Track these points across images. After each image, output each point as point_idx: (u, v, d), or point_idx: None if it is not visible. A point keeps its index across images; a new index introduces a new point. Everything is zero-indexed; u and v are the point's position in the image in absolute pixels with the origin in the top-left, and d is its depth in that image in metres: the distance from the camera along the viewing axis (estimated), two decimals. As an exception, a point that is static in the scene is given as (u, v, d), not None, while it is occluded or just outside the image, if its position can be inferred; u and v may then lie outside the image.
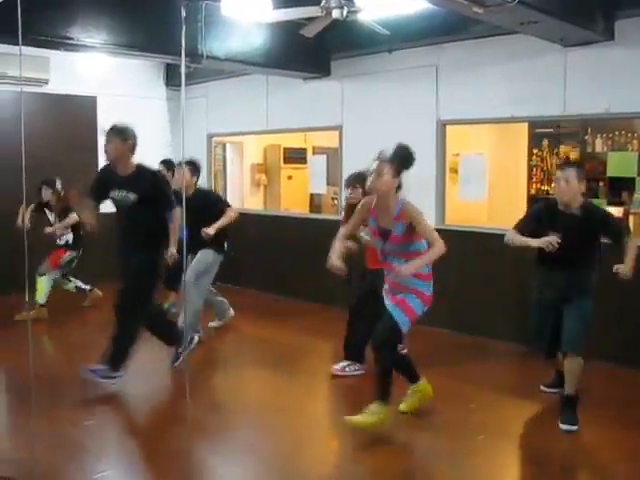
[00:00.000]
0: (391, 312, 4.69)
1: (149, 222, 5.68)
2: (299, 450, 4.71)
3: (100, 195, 5.86)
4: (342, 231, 5.03)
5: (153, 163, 10.46)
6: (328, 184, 9.56)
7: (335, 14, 5.92)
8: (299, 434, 4.98)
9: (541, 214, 5.16)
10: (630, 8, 5.93)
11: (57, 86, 9.64)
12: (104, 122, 10.11)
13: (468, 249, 7.41)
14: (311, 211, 10.73)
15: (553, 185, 5.11)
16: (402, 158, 4.68)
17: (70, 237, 8.31)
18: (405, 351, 5.96)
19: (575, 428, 4.87)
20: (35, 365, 4.03)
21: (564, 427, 4.89)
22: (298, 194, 11.06)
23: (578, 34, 6.15)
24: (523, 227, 5.13)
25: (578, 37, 6.28)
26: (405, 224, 4.60)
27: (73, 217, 7.94)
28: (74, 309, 8.67)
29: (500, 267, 7.15)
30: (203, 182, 10.72)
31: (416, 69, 7.89)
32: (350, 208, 5.64)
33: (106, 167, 6.01)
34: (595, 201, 8.67)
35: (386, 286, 4.86)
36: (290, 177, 11.73)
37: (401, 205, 4.63)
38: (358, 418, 4.69)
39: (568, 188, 4.88)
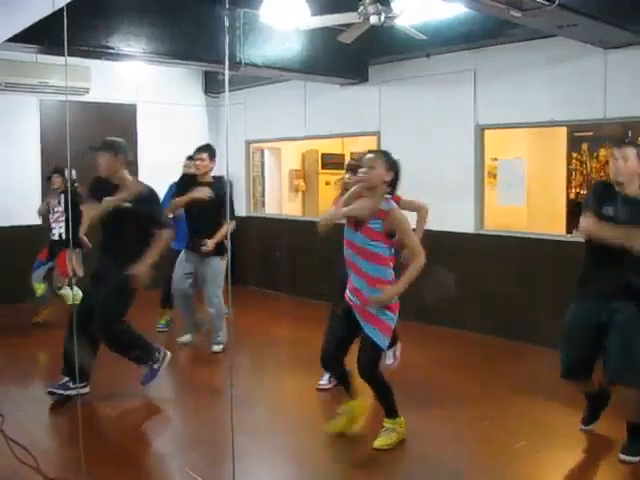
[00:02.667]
0: (371, 337, 4.45)
1: (133, 238, 5.43)
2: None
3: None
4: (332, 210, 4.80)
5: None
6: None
7: (372, 20, 5.93)
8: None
9: (602, 193, 4.48)
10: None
11: (98, 94, 9.79)
12: (144, 129, 10.37)
13: (507, 254, 7.38)
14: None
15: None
16: (395, 164, 4.59)
17: (63, 231, 7.92)
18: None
19: (637, 459, 4.39)
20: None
21: (623, 457, 4.41)
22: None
23: (618, 36, 6.09)
24: (594, 211, 4.38)
25: (618, 39, 6.22)
26: (384, 224, 4.41)
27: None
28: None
29: (539, 272, 7.11)
30: (241, 189, 10.89)
31: (454, 74, 7.87)
32: (344, 191, 5.29)
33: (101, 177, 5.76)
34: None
35: (349, 292, 4.61)
36: (328, 183, 11.74)
37: (389, 207, 4.45)
38: (379, 441, 4.59)
39: (626, 167, 4.33)
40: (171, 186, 7.60)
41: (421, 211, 5.79)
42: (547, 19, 5.43)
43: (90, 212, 5.66)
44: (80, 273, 7.56)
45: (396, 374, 5.85)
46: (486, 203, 7.81)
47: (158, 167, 9.82)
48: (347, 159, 11.33)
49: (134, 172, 9.88)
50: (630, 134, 8.81)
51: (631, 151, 4.34)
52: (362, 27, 6.18)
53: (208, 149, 6.99)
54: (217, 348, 7.05)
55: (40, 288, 7.96)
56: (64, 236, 7.90)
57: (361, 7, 5.93)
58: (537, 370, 6.54)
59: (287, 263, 9.75)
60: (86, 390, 5.48)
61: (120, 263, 5.29)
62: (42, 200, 8.45)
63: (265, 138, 10.83)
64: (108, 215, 5.41)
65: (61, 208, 7.96)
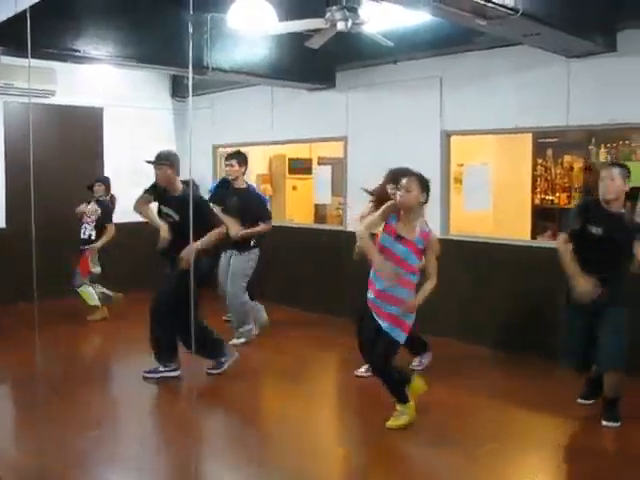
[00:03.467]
0: (387, 332, 4.97)
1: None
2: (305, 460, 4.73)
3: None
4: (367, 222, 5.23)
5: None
6: (333, 194, 9.58)
7: (340, 26, 5.95)
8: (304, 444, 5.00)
9: (587, 208, 5.17)
10: (632, 19, 5.97)
11: (64, 97, 9.69)
12: (111, 133, 10.29)
13: (473, 259, 7.44)
14: (316, 222, 10.75)
15: (600, 184, 5.09)
16: (428, 186, 5.07)
17: (94, 233, 8.68)
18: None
19: (617, 424, 5.04)
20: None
21: (606, 423, 5.06)
22: (303, 204, 11.08)
23: (581, 45, 6.19)
24: (573, 226, 5.12)
25: (581, 48, 6.32)
26: (424, 244, 4.98)
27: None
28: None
29: (505, 276, 7.18)
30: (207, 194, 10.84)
31: (421, 80, 7.93)
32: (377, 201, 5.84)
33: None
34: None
35: (374, 297, 5.09)
36: (295, 187, 11.74)
37: (428, 230, 5.04)
38: (391, 422, 5.04)
39: (613, 186, 4.94)
40: (214, 187, 8.44)
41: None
42: (511, 28, 5.50)
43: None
44: (95, 271, 8.54)
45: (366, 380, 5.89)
46: (453, 208, 7.87)
47: (125, 170, 9.77)
48: (314, 164, 11.35)
49: (101, 176, 9.93)
50: (594, 141, 8.95)
51: (616, 171, 4.96)
52: (329, 33, 6.20)
53: (236, 156, 7.48)
54: (235, 341, 7.36)
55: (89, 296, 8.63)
56: (93, 237, 8.64)
57: (328, 13, 5.95)
58: (499, 373, 6.61)
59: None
60: (177, 373, 6.25)
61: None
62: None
63: (232, 142, 10.75)
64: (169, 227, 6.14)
65: (97, 214, 8.70)
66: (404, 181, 4.96)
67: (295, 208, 11.33)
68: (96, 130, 10.29)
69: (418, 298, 4.98)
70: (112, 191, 9.03)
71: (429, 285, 5.00)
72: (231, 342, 7.19)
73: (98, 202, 8.76)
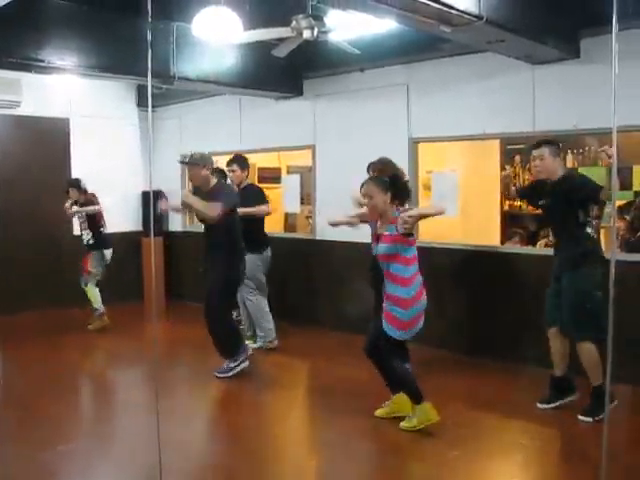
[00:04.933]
0: (383, 328, 5.05)
1: (225, 235, 6.48)
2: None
3: None
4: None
5: (123, 182, 10.57)
6: (302, 203, 9.57)
7: (306, 35, 5.96)
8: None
9: (535, 185, 5.59)
10: (593, 27, 6.02)
11: (29, 108, 9.59)
12: (77, 143, 10.20)
13: (442, 266, 7.46)
14: (286, 230, 10.72)
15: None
16: (386, 183, 5.06)
17: (90, 237, 8.77)
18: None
19: (590, 420, 5.10)
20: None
21: (582, 418, 5.15)
22: (273, 213, 11.04)
23: (545, 52, 6.25)
24: (523, 191, 5.85)
25: (545, 55, 6.38)
26: (398, 224, 4.87)
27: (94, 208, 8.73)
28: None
29: (474, 281, 7.21)
30: (177, 204, 10.77)
31: (387, 88, 7.96)
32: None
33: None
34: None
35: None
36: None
37: (398, 213, 4.94)
38: (404, 423, 5.13)
39: (543, 166, 5.20)
40: None
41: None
42: (476, 35, 5.54)
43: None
44: (94, 271, 8.73)
45: (336, 384, 5.86)
46: (421, 215, 7.87)
47: (92, 181, 9.68)
48: (283, 173, 11.34)
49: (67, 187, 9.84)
50: (560, 146, 9.02)
51: (545, 150, 5.19)
52: (295, 41, 6.20)
53: (236, 160, 7.64)
54: (252, 344, 7.45)
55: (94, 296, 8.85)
56: (91, 241, 8.78)
57: (294, 22, 5.95)
58: (469, 380, 6.61)
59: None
60: (246, 364, 6.64)
61: (218, 260, 6.49)
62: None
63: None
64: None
65: (81, 218, 8.86)
66: (362, 190, 5.07)
67: (265, 217, 11.29)
68: (62, 141, 10.18)
69: (414, 210, 4.99)
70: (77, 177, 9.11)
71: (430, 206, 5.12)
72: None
73: (82, 206, 8.77)
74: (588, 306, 5.07)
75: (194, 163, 6.55)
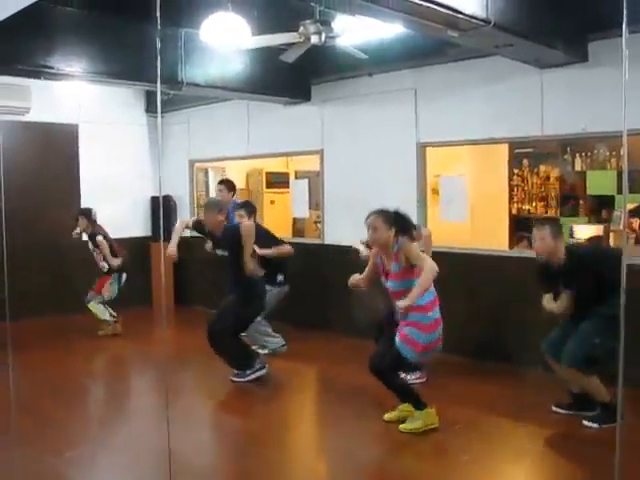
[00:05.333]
0: (397, 346, 5.08)
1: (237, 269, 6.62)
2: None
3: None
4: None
5: (132, 188, 10.60)
6: (310, 208, 9.58)
7: (314, 40, 5.99)
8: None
9: (542, 275, 5.54)
10: (602, 30, 6.01)
11: (38, 114, 9.63)
12: (86, 149, 10.23)
13: (451, 270, 7.43)
14: (294, 235, 10.73)
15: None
16: (392, 217, 5.17)
17: (105, 266, 8.79)
18: (421, 380, 6.39)
19: (596, 426, 5.16)
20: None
21: (587, 424, 5.21)
22: (281, 219, 11.06)
23: (551, 56, 6.24)
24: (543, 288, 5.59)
25: (551, 59, 6.37)
26: (401, 263, 5.05)
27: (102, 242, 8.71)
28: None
29: (482, 287, 7.19)
30: (185, 209, 10.81)
31: (395, 92, 7.95)
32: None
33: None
34: (575, 220, 8.81)
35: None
36: (273, 202, 11.73)
37: (399, 246, 5.06)
38: (404, 425, 5.20)
39: (543, 246, 5.28)
40: None
41: (421, 238, 6.07)
42: (484, 39, 5.54)
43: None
44: (107, 296, 8.78)
45: (346, 389, 5.86)
46: (431, 220, 7.87)
47: (100, 187, 9.73)
48: (292, 177, 11.36)
49: (77, 193, 9.89)
50: (569, 150, 9.01)
51: (546, 231, 5.26)
52: (303, 47, 6.22)
53: (244, 206, 7.76)
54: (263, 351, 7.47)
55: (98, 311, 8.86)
56: (105, 268, 8.77)
57: (302, 27, 5.98)
58: (477, 384, 6.60)
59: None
60: (264, 371, 6.72)
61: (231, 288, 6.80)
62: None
63: (209, 157, 10.79)
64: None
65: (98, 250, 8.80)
66: (368, 220, 5.18)
67: (273, 222, 11.32)
68: (71, 147, 10.22)
69: (410, 296, 4.91)
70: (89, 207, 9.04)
71: (421, 278, 4.93)
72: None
73: (90, 238, 8.82)
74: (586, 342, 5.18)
75: (211, 209, 6.75)
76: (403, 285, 5.05)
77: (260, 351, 7.41)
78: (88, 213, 8.83)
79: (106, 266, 8.74)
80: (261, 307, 6.91)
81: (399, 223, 5.15)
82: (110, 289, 8.79)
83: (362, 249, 6.12)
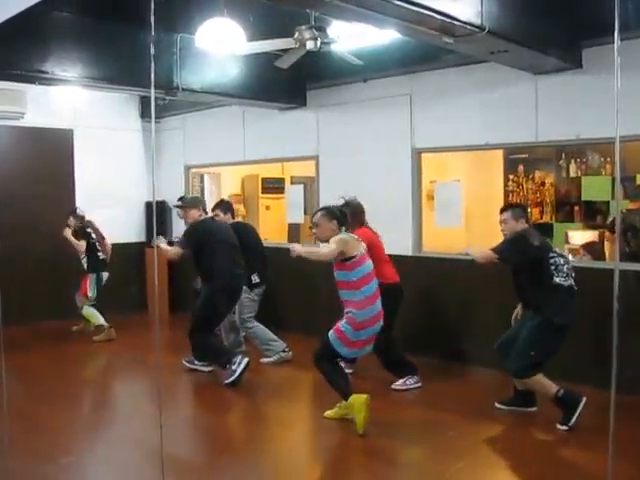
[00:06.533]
0: (328, 336, 5.37)
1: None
2: None
3: None
4: None
5: (127, 193, 10.59)
6: (306, 214, 9.57)
7: (309, 45, 6.00)
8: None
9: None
10: (596, 37, 6.03)
11: (34, 119, 9.62)
12: (81, 155, 10.22)
13: (446, 276, 7.45)
14: (289, 241, 10.71)
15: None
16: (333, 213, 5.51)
17: (85, 261, 8.89)
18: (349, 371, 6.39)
19: (564, 428, 5.27)
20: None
21: (560, 427, 5.30)
22: (276, 224, 11.05)
23: (546, 62, 6.26)
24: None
25: (546, 65, 6.39)
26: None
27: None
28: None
29: (477, 292, 7.19)
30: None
31: (391, 98, 7.97)
32: None
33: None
34: (570, 225, 8.83)
35: None
36: (268, 207, 11.72)
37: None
38: (329, 412, 5.54)
39: (505, 227, 5.64)
40: None
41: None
42: (478, 45, 5.55)
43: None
44: (91, 295, 8.83)
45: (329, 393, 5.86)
46: (426, 225, 7.88)
47: (95, 192, 9.72)
48: (287, 183, 11.35)
49: (72, 198, 9.88)
50: (564, 156, 9.04)
51: (507, 213, 5.65)
52: (299, 52, 6.23)
53: (220, 205, 7.80)
54: (265, 360, 7.58)
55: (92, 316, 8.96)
56: (87, 265, 8.91)
57: (297, 33, 5.99)
58: (471, 390, 6.61)
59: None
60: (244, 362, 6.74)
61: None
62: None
63: (204, 163, 10.79)
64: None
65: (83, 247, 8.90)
66: (314, 219, 5.53)
67: (269, 228, 11.31)
68: (66, 152, 10.20)
69: (303, 248, 5.47)
70: (84, 214, 9.06)
71: (315, 248, 5.65)
72: (262, 360, 7.52)
73: (83, 235, 8.88)
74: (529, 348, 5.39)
75: (188, 205, 7.08)
76: (340, 276, 5.32)
77: (267, 360, 7.51)
78: (74, 211, 8.96)
79: (87, 262, 8.86)
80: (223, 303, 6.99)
81: (340, 216, 5.48)
82: (91, 288, 8.83)
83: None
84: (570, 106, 6.52)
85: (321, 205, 8.69)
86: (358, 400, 5.17)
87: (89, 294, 8.83)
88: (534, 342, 5.33)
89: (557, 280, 5.34)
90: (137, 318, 9.76)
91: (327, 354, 5.39)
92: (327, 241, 5.36)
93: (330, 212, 5.45)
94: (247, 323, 7.55)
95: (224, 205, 7.83)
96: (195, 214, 6.99)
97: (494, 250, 5.47)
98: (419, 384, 6.46)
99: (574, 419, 5.22)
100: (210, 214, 7.56)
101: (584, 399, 5.27)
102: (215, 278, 6.85)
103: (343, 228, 5.42)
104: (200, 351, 7.04)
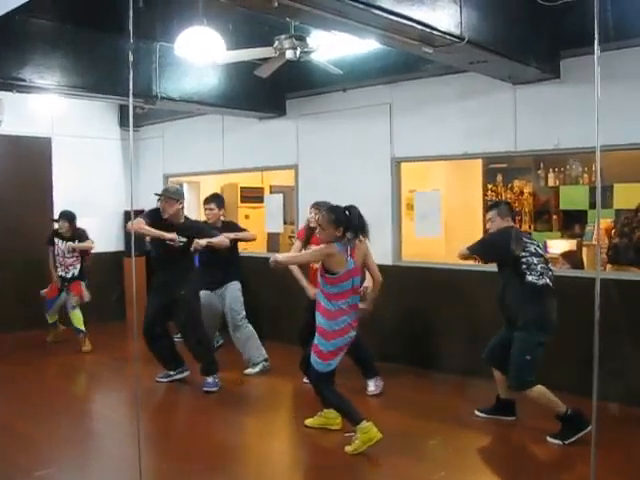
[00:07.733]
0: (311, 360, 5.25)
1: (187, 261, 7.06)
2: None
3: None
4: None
5: (106, 202, 10.52)
6: (285, 223, 9.56)
7: (288, 55, 5.99)
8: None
9: None
10: (574, 47, 6.09)
11: (11, 127, 9.55)
12: (59, 163, 10.14)
13: (425, 285, 7.46)
14: (268, 251, 10.69)
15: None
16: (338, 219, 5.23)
17: (78, 269, 8.83)
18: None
19: (556, 442, 5.15)
20: None
21: (551, 440, 5.19)
22: (255, 233, 11.02)
23: (524, 72, 6.30)
24: None
25: (525, 75, 6.43)
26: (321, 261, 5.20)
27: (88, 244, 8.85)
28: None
29: (457, 301, 7.20)
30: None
31: (370, 107, 7.98)
32: (309, 229, 6.66)
33: (155, 213, 6.90)
34: (549, 234, 8.88)
35: None
36: (247, 216, 11.67)
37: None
38: (348, 448, 5.05)
39: (492, 226, 5.75)
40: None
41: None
42: (458, 55, 5.57)
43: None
44: (86, 299, 8.80)
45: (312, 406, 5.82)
46: (405, 235, 7.88)
47: (74, 201, 9.63)
48: (266, 192, 11.34)
49: (49, 206, 9.79)
50: (542, 165, 9.11)
51: (493, 212, 5.74)
52: (278, 62, 6.22)
53: (214, 199, 7.72)
54: (250, 371, 7.47)
55: (53, 318, 9.03)
56: (76, 274, 8.80)
57: (277, 42, 5.98)
58: (451, 398, 6.61)
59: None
60: (187, 373, 7.19)
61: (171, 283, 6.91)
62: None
63: (183, 172, 10.75)
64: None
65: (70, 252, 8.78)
66: (320, 217, 5.37)
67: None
68: (44, 160, 10.12)
69: (282, 255, 5.68)
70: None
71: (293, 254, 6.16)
72: (245, 372, 7.44)
73: (70, 238, 8.77)
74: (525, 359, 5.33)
75: (169, 197, 6.84)
76: (320, 281, 5.19)
77: (251, 370, 7.44)
78: (71, 217, 8.76)
79: (79, 270, 8.80)
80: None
81: (346, 222, 5.30)
82: (87, 293, 8.79)
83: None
84: (549, 116, 6.56)
85: (300, 215, 8.74)
86: (375, 435, 5.03)
87: (85, 299, 8.76)
88: (525, 350, 5.28)
89: (529, 279, 5.34)
90: (117, 327, 9.67)
91: (321, 379, 5.22)
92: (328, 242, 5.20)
93: (338, 220, 5.18)
94: (240, 316, 7.50)
95: (219, 199, 7.79)
96: (177, 207, 6.83)
97: (469, 246, 5.67)
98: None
99: (573, 439, 5.09)
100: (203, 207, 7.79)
101: (591, 426, 5.15)
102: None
103: (348, 234, 5.20)
104: (159, 349, 7.15)
